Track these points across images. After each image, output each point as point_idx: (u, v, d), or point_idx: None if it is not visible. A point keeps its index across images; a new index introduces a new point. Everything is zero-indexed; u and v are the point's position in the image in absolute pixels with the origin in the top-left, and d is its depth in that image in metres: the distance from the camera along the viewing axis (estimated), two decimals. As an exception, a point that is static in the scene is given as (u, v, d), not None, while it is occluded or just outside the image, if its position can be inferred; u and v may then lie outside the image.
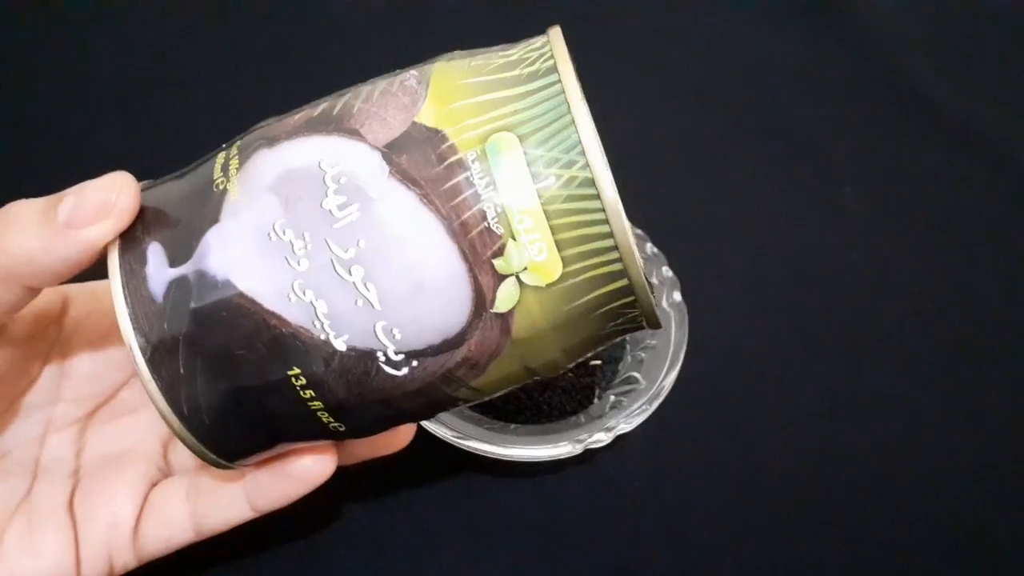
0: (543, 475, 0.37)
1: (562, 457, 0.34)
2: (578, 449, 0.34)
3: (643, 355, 0.37)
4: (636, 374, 0.37)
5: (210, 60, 0.54)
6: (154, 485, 0.29)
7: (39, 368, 0.29)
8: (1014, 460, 0.39)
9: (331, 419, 0.24)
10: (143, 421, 0.31)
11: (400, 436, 0.30)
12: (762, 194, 0.49)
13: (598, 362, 0.39)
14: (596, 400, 0.37)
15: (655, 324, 0.23)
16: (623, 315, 0.23)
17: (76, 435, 0.29)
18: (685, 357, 0.36)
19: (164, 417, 0.24)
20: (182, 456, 0.31)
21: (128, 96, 0.52)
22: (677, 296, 0.39)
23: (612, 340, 0.24)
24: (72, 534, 0.27)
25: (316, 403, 0.23)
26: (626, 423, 0.35)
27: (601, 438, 0.34)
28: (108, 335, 0.30)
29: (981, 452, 0.39)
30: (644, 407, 0.35)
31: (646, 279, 0.22)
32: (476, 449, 0.34)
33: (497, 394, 0.25)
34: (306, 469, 0.27)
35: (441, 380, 0.23)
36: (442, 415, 0.35)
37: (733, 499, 0.37)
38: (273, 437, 0.25)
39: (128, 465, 0.29)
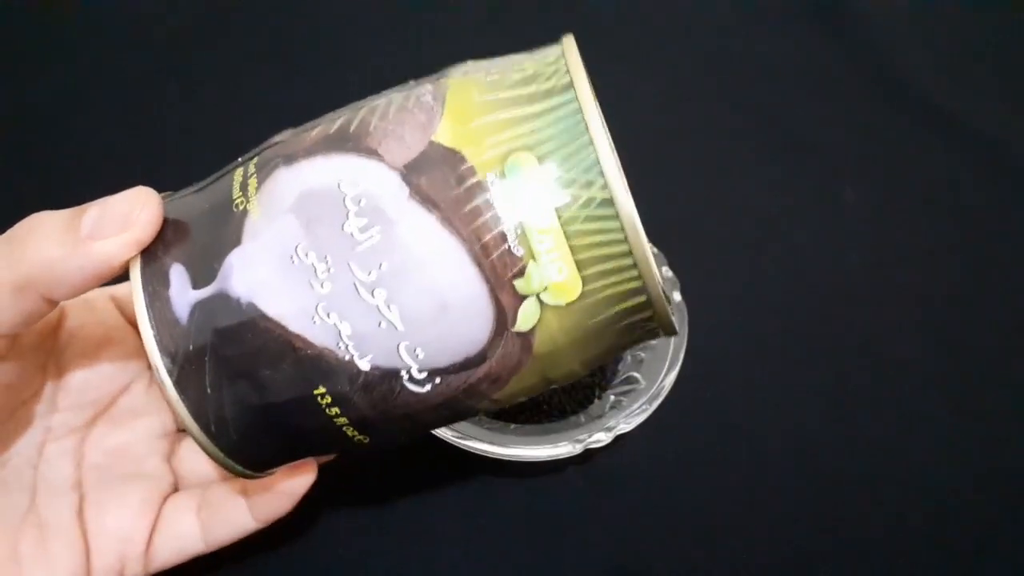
0: (543, 475, 0.37)
1: (562, 457, 0.34)
2: (578, 449, 0.34)
3: (643, 355, 0.37)
4: (636, 374, 0.37)
5: (214, 62, 0.54)
6: (165, 497, 0.30)
7: (41, 379, 0.29)
8: (1014, 460, 0.39)
9: (356, 433, 0.24)
10: (142, 430, 0.31)
11: None
12: (762, 194, 0.49)
13: (598, 362, 0.39)
14: (596, 400, 0.37)
15: (672, 332, 0.24)
16: (641, 327, 0.23)
17: (76, 444, 0.30)
18: (685, 357, 0.36)
19: (192, 434, 0.24)
20: (188, 463, 0.31)
21: (132, 98, 0.52)
22: (677, 296, 0.39)
23: (629, 348, 0.24)
24: (83, 547, 0.28)
25: (342, 419, 0.23)
26: (626, 423, 0.35)
27: (601, 438, 0.34)
28: (103, 345, 0.30)
29: (980, 452, 0.39)
30: (644, 407, 0.35)
31: (662, 291, 0.22)
32: (476, 449, 0.34)
33: (516, 402, 0.25)
34: (290, 485, 0.29)
35: (463, 394, 0.23)
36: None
37: (733, 499, 0.37)
38: (298, 449, 0.25)
39: (138, 479, 0.30)
